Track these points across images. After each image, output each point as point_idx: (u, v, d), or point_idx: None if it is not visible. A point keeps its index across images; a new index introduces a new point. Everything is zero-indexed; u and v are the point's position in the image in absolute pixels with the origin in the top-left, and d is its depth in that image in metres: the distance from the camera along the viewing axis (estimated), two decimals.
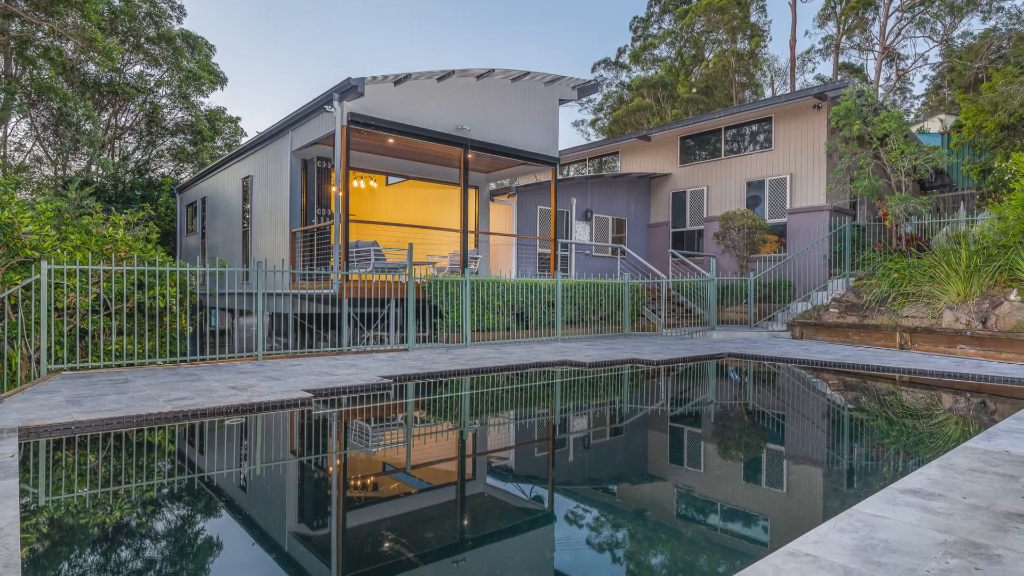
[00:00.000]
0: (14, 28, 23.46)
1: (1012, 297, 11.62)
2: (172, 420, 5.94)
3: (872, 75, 39.42)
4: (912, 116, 40.41)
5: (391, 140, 14.31)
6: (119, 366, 9.23)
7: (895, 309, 13.32)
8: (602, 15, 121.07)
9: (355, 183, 17.45)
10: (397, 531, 3.75)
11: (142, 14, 27.97)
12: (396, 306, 13.04)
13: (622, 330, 16.25)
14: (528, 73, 15.71)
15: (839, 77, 39.12)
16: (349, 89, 12.34)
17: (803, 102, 18.25)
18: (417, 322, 13.01)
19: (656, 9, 46.08)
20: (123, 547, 3.44)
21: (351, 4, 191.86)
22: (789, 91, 40.15)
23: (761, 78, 43.72)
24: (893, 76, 40.35)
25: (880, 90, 38.31)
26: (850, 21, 37.82)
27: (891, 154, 15.84)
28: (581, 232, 20.18)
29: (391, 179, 18.46)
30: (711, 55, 42.97)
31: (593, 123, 50.73)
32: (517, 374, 9.64)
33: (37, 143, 28.98)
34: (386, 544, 3.54)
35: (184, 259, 23.17)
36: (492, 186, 19.33)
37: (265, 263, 14.52)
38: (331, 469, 5.11)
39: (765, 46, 42.12)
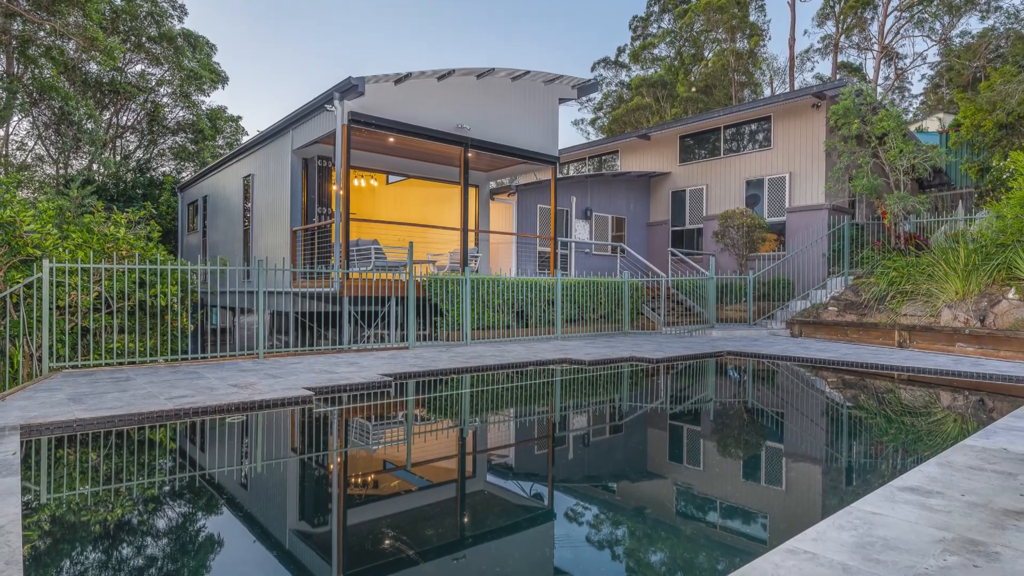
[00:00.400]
0: (16, 27, 23.45)
1: (1010, 295, 11.65)
2: (173, 418, 5.95)
3: (871, 74, 39.47)
4: (911, 115, 40.45)
5: (391, 139, 14.33)
6: (120, 364, 9.25)
7: (894, 307, 13.34)
8: (602, 15, 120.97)
9: (356, 182, 17.47)
10: (398, 528, 3.75)
11: (143, 13, 27.97)
12: (396, 304, 13.06)
13: (622, 328, 16.28)
14: (528, 72, 15.72)
15: (838, 76, 39.16)
16: (350, 88, 12.36)
17: (802, 101, 18.27)
18: (417, 320, 13.03)
19: (656, 8, 46.07)
20: (125, 544, 3.46)
21: (352, 4, 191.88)
22: (788, 90, 40.21)
23: (760, 77, 43.75)
24: (892, 75, 40.40)
25: (879, 89, 38.32)
26: (849, 20, 37.86)
27: (890, 153, 15.87)
28: (581, 231, 20.20)
29: (391, 178, 18.48)
30: (710, 54, 42.95)
31: (593, 122, 50.73)
32: (517, 372, 9.66)
33: (39, 142, 28.97)
34: (387, 541, 3.55)
35: (185, 257, 23.19)
36: (492, 185, 19.35)
37: (266, 261, 14.51)
38: (332, 467, 5.12)
39: (764, 45, 42.15)
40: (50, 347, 8.62)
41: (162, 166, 31.83)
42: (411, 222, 16.16)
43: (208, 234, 20.89)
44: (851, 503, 3.51)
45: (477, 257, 15.36)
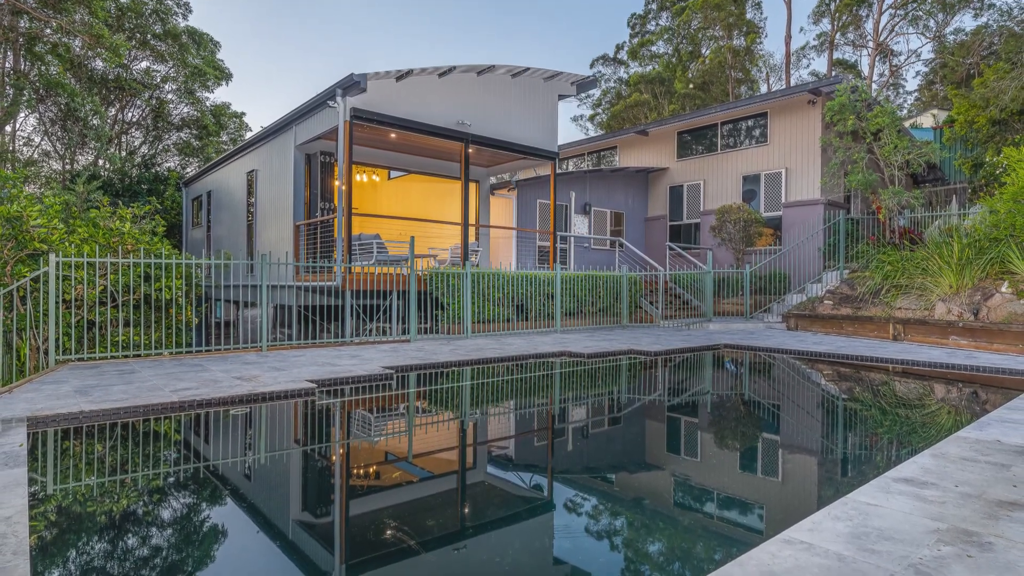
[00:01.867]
0: (23, 25, 23.47)
1: (1003, 289, 11.73)
2: (178, 410, 6.00)
3: (866, 71, 39.55)
4: (905, 111, 40.53)
5: (393, 135, 14.36)
6: (126, 357, 9.30)
7: (888, 301, 13.43)
8: (603, 13, 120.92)
9: (358, 177, 17.48)
10: (399, 519, 3.78)
11: (148, 11, 28.08)
12: (398, 298, 13.10)
13: (620, 322, 16.34)
14: (528, 69, 15.75)
15: (833, 73, 39.25)
16: (352, 85, 12.39)
17: (798, 98, 18.32)
18: (419, 314, 13.07)
19: (654, 6, 46.06)
20: (130, 535, 3.48)
21: (354, 2, 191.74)
22: (784, 87, 40.22)
23: (757, 74, 43.74)
24: (886, 72, 40.53)
25: (874, 86, 38.46)
26: (844, 18, 37.99)
27: (884, 149, 15.94)
28: (580, 225, 20.25)
29: (393, 173, 18.50)
30: (707, 51, 42.95)
31: (592, 118, 50.70)
32: (517, 365, 9.73)
33: (45, 138, 29.11)
34: (388, 531, 3.57)
35: (190, 252, 23.22)
36: (492, 180, 19.38)
37: (269, 256, 14.52)
38: (334, 458, 5.14)
39: (761, 43, 42.17)
40: (56, 340, 8.68)
41: (167, 162, 31.99)
42: (412, 217, 16.22)
43: (212, 229, 20.93)
44: (846, 494, 3.54)
45: (477, 251, 15.39)
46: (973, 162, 23.75)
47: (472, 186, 17.77)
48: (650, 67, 45.91)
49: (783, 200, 18.65)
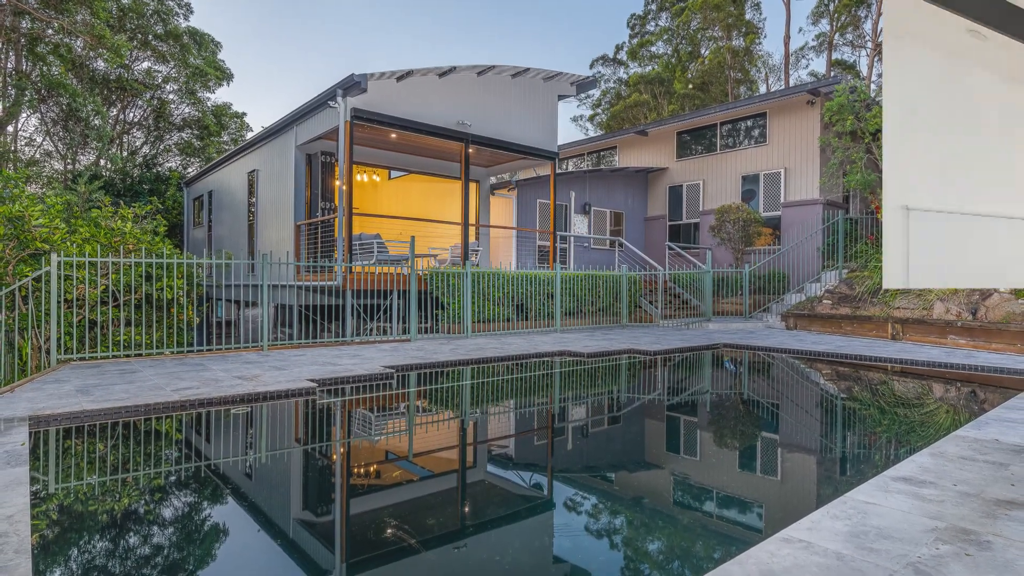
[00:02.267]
0: (24, 25, 23.50)
1: (1001, 289, 11.75)
2: (179, 409, 6.00)
3: (865, 71, 39.54)
4: None
5: (393, 135, 14.38)
6: (127, 356, 9.30)
7: (887, 300, 13.45)
8: (603, 13, 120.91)
9: (358, 177, 17.50)
10: (399, 517, 3.79)
11: (150, 12, 28.13)
12: (398, 297, 13.12)
13: (620, 321, 16.36)
14: (528, 69, 15.76)
15: (832, 73, 39.25)
16: (352, 85, 12.41)
17: (797, 98, 18.32)
18: (419, 313, 13.09)
19: (653, 7, 46.04)
20: (131, 534, 3.49)
21: (356, 2, 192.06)
22: (783, 87, 40.25)
23: (756, 74, 43.71)
24: None
25: (872, 86, 38.38)
26: (843, 18, 38.00)
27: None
28: (580, 225, 20.27)
29: (393, 173, 18.52)
30: (707, 52, 42.94)
31: (591, 118, 50.64)
32: (517, 364, 9.74)
33: (47, 138, 29.12)
34: (388, 530, 3.59)
35: (191, 251, 23.28)
36: (492, 180, 19.39)
37: (270, 255, 14.56)
38: (335, 457, 5.15)
39: (760, 43, 42.14)
40: (58, 340, 8.70)
41: (168, 162, 32.05)
42: (413, 217, 16.24)
43: (213, 228, 20.94)
44: (845, 493, 3.55)
45: (478, 251, 15.40)
46: None
47: (472, 186, 17.79)
48: (649, 67, 45.89)
49: (782, 200, 18.66)
